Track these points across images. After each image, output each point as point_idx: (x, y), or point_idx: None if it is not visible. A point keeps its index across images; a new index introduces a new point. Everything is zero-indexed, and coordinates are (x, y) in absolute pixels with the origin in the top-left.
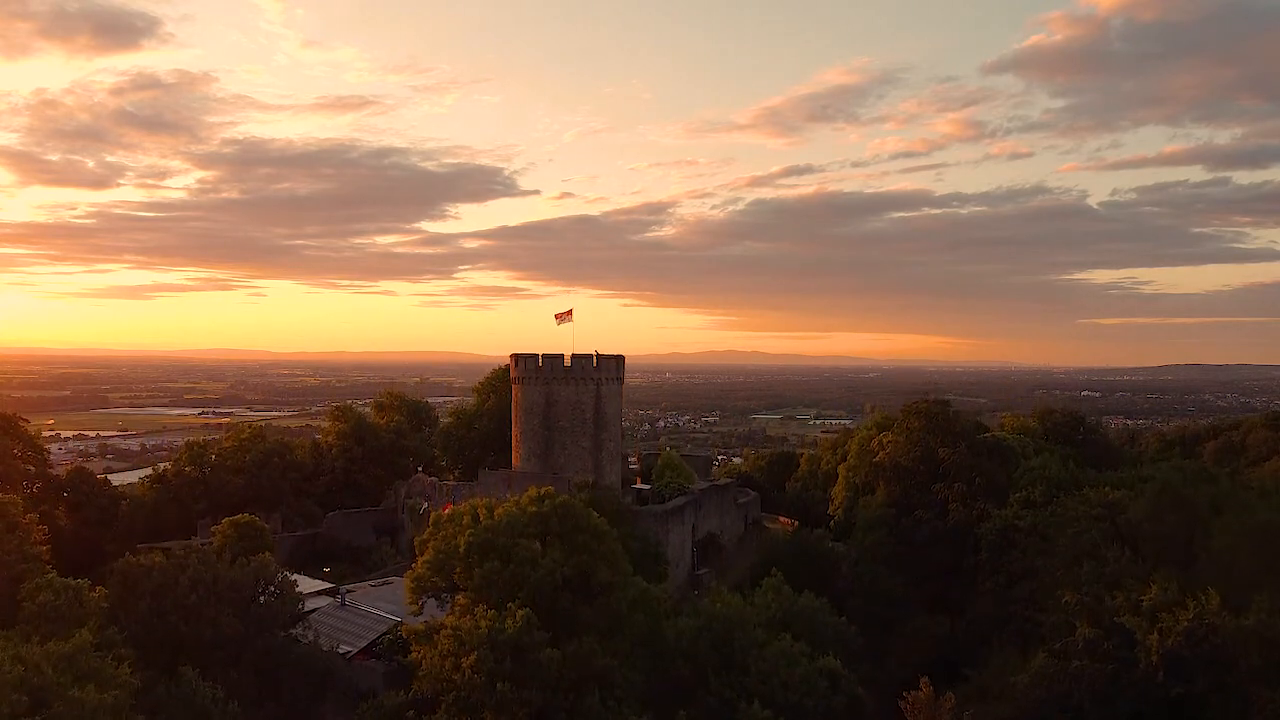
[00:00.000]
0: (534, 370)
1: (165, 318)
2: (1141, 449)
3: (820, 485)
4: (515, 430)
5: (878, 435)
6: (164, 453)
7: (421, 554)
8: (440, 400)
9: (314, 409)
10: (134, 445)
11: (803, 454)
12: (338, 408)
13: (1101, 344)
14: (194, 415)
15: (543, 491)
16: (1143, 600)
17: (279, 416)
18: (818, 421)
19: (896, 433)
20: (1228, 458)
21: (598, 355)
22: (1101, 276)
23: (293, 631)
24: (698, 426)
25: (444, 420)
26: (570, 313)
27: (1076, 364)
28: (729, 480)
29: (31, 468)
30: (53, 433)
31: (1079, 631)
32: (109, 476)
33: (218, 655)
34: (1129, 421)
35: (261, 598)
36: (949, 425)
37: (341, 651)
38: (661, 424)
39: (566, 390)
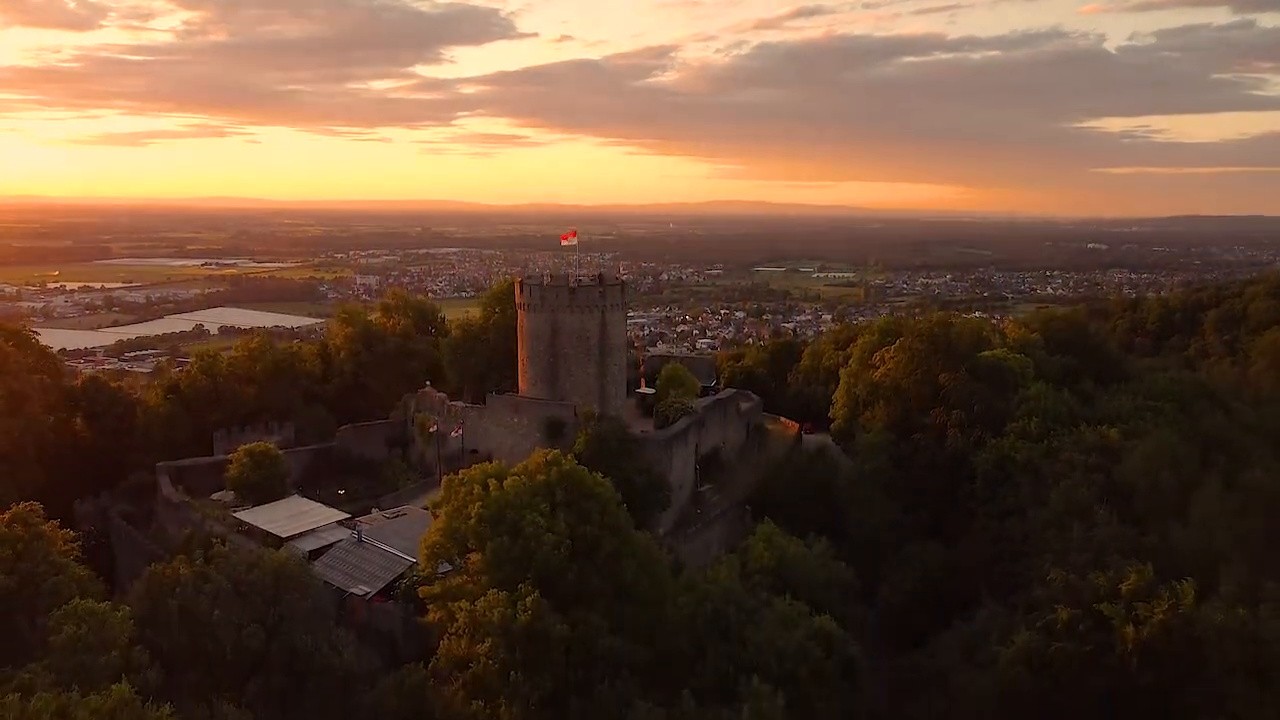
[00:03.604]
0: (539, 298)
1: (161, 165)
2: (1143, 316)
3: (822, 381)
4: (521, 355)
5: (880, 345)
6: (170, 305)
7: (435, 517)
8: (443, 251)
9: (317, 260)
10: (139, 298)
11: (805, 346)
12: (345, 310)
13: (1111, 193)
14: (198, 266)
15: (549, 457)
16: (1122, 586)
17: (283, 269)
18: (821, 275)
19: (898, 352)
20: (1229, 327)
21: (601, 279)
22: (1114, 124)
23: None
24: (701, 280)
25: (452, 331)
26: (575, 233)
27: (1084, 214)
28: (732, 392)
29: (45, 377)
30: (58, 285)
31: (1060, 613)
32: (118, 328)
33: (246, 661)
34: (1133, 275)
35: (283, 602)
36: (951, 348)
37: (360, 593)
38: (665, 277)
39: (571, 319)
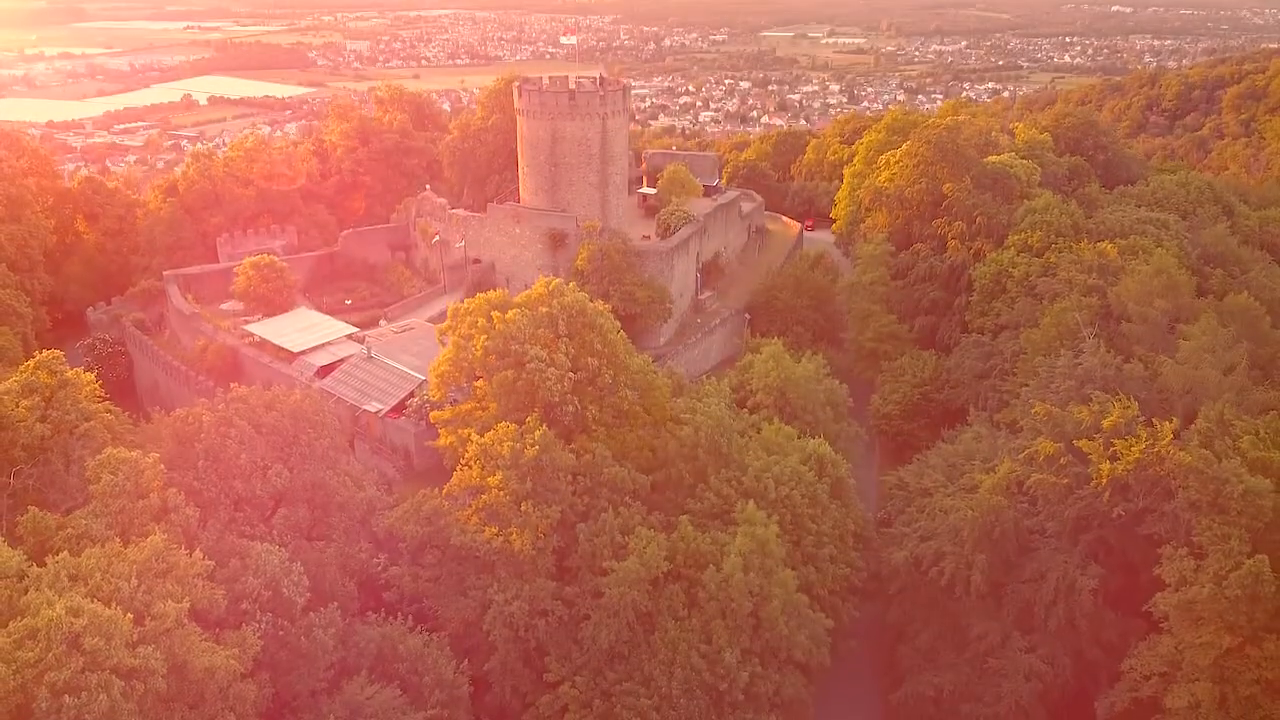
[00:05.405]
0: (538, 104)
1: None
2: (1160, 92)
3: (826, 176)
4: (521, 163)
5: (887, 145)
6: (155, 73)
7: (442, 336)
8: (434, 13)
9: (304, 23)
10: (123, 65)
11: (811, 138)
12: (339, 106)
13: None
14: (180, 30)
15: (551, 287)
16: (1103, 421)
17: (269, 33)
18: (830, 41)
19: (904, 158)
20: (1247, 104)
21: (602, 82)
22: None
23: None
24: (705, 45)
25: (451, 131)
26: (575, 29)
27: None
28: (734, 194)
29: (41, 180)
30: (36, 50)
31: (1042, 445)
32: (103, 97)
33: (272, 497)
34: (1155, 42)
35: (301, 440)
36: (958, 154)
37: (373, 409)
38: (667, 43)
39: (572, 127)
